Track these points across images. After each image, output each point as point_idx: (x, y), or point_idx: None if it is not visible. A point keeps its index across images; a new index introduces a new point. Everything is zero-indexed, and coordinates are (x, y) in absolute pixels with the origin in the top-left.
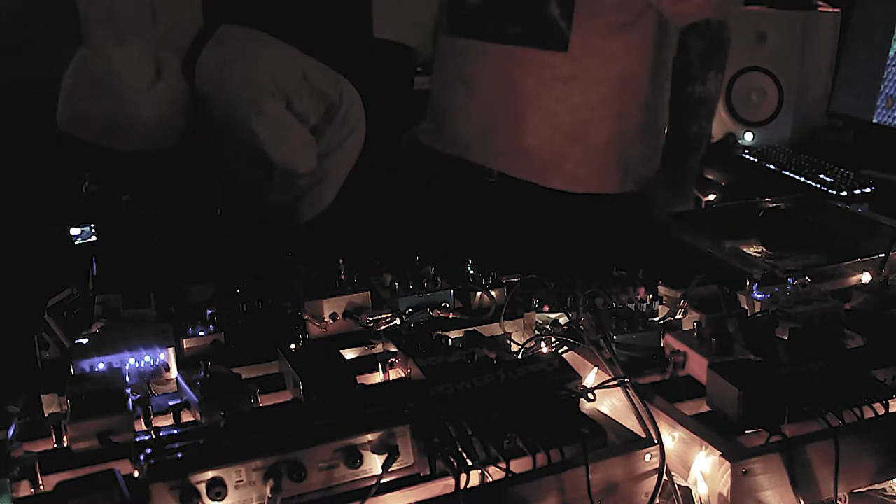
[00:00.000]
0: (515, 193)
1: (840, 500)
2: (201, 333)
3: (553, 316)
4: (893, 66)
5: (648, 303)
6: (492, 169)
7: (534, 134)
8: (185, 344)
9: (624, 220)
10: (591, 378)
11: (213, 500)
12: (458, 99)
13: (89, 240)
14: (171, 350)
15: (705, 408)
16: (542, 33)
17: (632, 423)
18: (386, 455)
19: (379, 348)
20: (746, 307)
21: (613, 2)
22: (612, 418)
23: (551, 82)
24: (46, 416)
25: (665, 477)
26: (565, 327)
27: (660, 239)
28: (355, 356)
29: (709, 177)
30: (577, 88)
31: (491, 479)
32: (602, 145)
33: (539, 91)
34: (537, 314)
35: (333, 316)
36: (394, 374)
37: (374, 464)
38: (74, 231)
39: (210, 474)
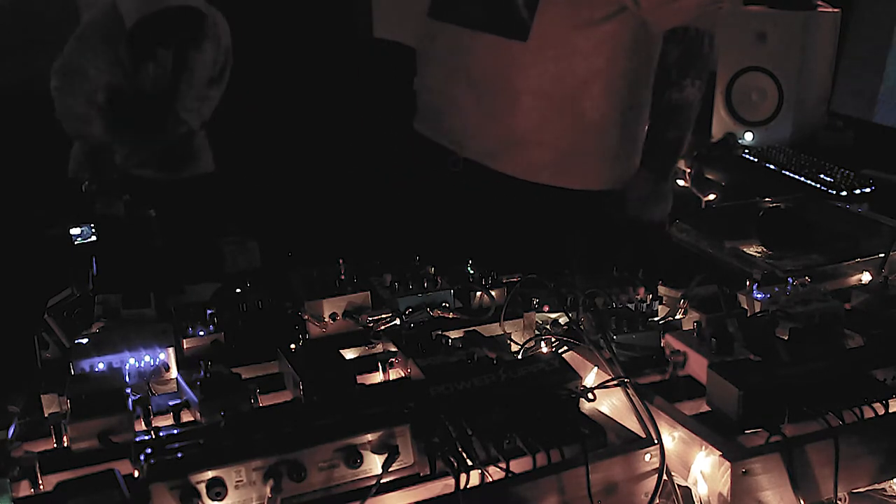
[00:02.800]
0: (482, 183)
1: (840, 500)
2: (201, 333)
3: (553, 316)
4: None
5: (648, 303)
6: (457, 157)
7: (486, 122)
8: (185, 344)
9: (604, 218)
10: (591, 378)
11: (213, 500)
12: (428, 81)
13: (89, 240)
14: (171, 350)
15: (705, 408)
16: (503, 19)
17: (632, 423)
18: (386, 455)
19: (379, 348)
20: (746, 307)
21: None
22: (612, 418)
23: (509, 72)
24: (46, 416)
25: (665, 477)
26: (565, 327)
27: (640, 241)
28: (355, 356)
29: (709, 177)
30: (539, 79)
31: (491, 479)
32: (558, 140)
33: (496, 80)
34: (537, 314)
35: (333, 316)
36: (394, 374)
37: (374, 464)
38: (74, 231)
39: (210, 474)
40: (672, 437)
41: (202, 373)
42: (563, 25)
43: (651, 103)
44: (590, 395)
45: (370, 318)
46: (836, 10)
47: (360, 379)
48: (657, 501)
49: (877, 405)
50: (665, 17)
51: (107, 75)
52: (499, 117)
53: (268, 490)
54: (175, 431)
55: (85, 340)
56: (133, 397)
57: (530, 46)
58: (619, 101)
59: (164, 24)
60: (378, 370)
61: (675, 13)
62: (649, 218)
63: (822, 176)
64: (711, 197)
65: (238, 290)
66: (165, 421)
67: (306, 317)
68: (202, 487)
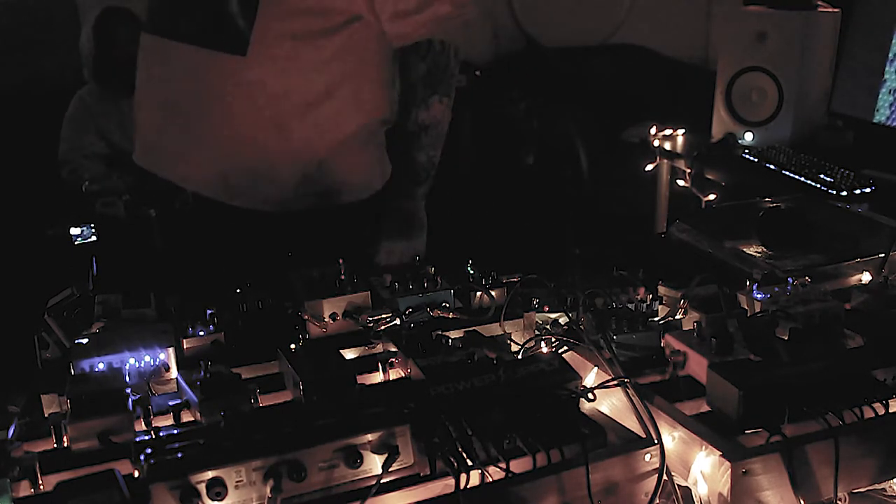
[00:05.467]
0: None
1: (840, 500)
2: (201, 333)
3: (553, 316)
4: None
5: (648, 303)
6: (186, 195)
7: (204, 144)
8: (185, 344)
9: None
10: (591, 378)
11: (213, 500)
12: (142, 105)
13: (89, 240)
14: (171, 350)
15: (705, 408)
16: (218, 32)
17: (632, 423)
18: (386, 455)
19: (379, 348)
20: (746, 307)
21: (306, 6)
22: (612, 418)
23: (233, 90)
24: (46, 416)
25: (665, 477)
26: (565, 327)
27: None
28: (355, 356)
29: (709, 177)
30: (263, 98)
31: (491, 479)
32: (292, 161)
33: (223, 100)
34: (537, 314)
35: (333, 316)
36: (394, 374)
37: (374, 464)
38: (74, 231)
39: (210, 474)
40: (672, 437)
41: (202, 373)
42: (287, 36)
43: (396, 124)
44: (590, 395)
45: (370, 318)
46: (836, 10)
47: (360, 379)
48: (657, 501)
49: (877, 405)
50: (405, 29)
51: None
52: (220, 143)
53: (268, 490)
54: (175, 431)
55: (85, 340)
56: (133, 397)
57: (249, 61)
58: (358, 118)
59: None
60: (378, 370)
61: (415, 25)
62: (399, 258)
63: (822, 176)
64: (711, 197)
65: (238, 290)
66: (165, 421)
67: (306, 317)
68: (202, 487)
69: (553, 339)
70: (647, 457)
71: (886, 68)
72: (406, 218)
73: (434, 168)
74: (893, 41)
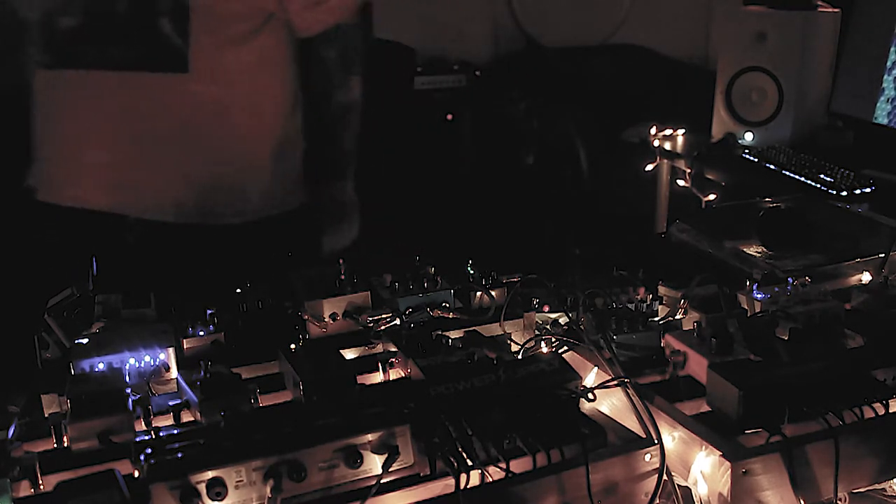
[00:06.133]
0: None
1: (840, 500)
2: (201, 333)
3: (553, 316)
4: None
5: (648, 303)
6: (132, 221)
7: (162, 169)
8: (185, 344)
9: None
10: (591, 378)
11: (213, 500)
12: (70, 142)
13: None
14: (171, 350)
15: (705, 408)
16: (156, 53)
17: (632, 423)
18: (386, 455)
19: (379, 348)
20: (746, 307)
21: (234, 10)
22: (612, 418)
23: (178, 109)
24: (46, 416)
25: (665, 477)
26: (565, 327)
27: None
28: (355, 356)
29: (709, 177)
30: (210, 113)
31: (491, 479)
32: (239, 170)
33: (166, 120)
34: (537, 314)
35: (333, 316)
36: (394, 374)
37: (374, 464)
38: None
39: (210, 474)
40: (672, 437)
41: (202, 373)
42: (219, 46)
43: (320, 111)
44: (590, 395)
45: (370, 318)
46: (836, 10)
47: (360, 379)
48: (657, 501)
49: (877, 405)
50: (314, 19)
51: None
52: (174, 164)
53: (268, 490)
54: (175, 431)
55: (85, 340)
56: (133, 397)
57: (194, 77)
58: (293, 117)
59: None
60: (378, 370)
61: (324, 14)
62: (342, 243)
63: (822, 176)
64: (711, 197)
65: (238, 290)
66: (165, 421)
67: (306, 317)
68: (202, 487)
69: (553, 339)
70: (647, 457)
71: (885, 77)
72: (339, 206)
73: (356, 150)
74: (892, 50)
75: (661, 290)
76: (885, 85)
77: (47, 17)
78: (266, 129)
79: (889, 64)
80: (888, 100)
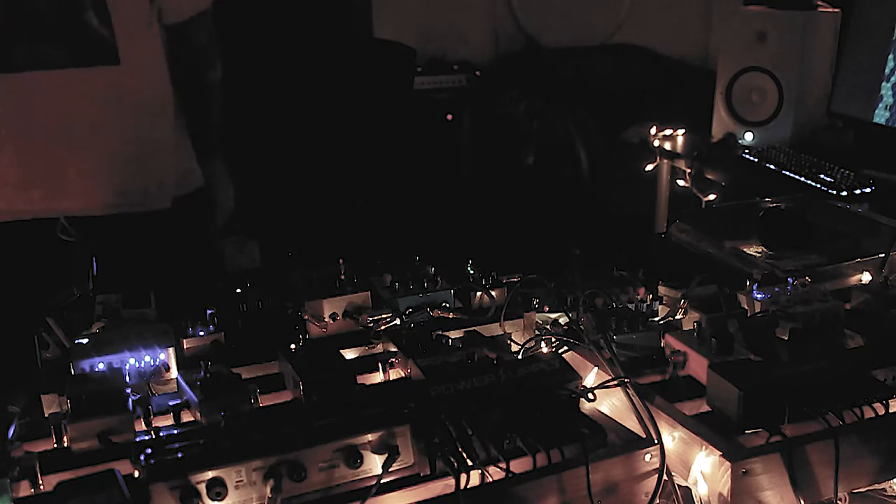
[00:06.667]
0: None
1: (840, 500)
2: (201, 333)
3: (553, 316)
4: None
5: (648, 303)
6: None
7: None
8: (185, 344)
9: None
10: (591, 378)
11: (213, 500)
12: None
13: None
14: (171, 350)
15: (705, 408)
16: (84, 48)
17: (632, 423)
18: (386, 455)
19: (379, 348)
20: (746, 307)
21: None
22: (612, 418)
23: (112, 102)
24: (46, 416)
25: (665, 477)
26: (565, 327)
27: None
28: (355, 356)
29: (709, 177)
30: (132, 102)
31: (491, 479)
32: (154, 152)
33: (100, 115)
34: (537, 314)
35: (333, 316)
36: (394, 374)
37: (374, 464)
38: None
39: (210, 474)
40: (672, 437)
41: (202, 373)
42: (139, 34)
43: (192, 90)
44: (590, 395)
45: (370, 318)
46: (836, 10)
47: (360, 379)
48: (657, 501)
49: (877, 405)
50: (188, 4)
51: None
52: (111, 163)
53: (268, 490)
54: (175, 431)
55: (85, 340)
56: (133, 397)
57: (125, 69)
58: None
59: None
60: (378, 370)
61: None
62: (225, 217)
63: (822, 176)
64: (711, 197)
65: (238, 290)
66: (165, 421)
67: (306, 317)
68: (202, 487)
69: (553, 339)
70: (647, 457)
71: (883, 84)
72: (219, 179)
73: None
74: (890, 57)
75: (661, 290)
76: (883, 92)
77: None
78: (168, 109)
79: (887, 71)
80: (886, 107)
